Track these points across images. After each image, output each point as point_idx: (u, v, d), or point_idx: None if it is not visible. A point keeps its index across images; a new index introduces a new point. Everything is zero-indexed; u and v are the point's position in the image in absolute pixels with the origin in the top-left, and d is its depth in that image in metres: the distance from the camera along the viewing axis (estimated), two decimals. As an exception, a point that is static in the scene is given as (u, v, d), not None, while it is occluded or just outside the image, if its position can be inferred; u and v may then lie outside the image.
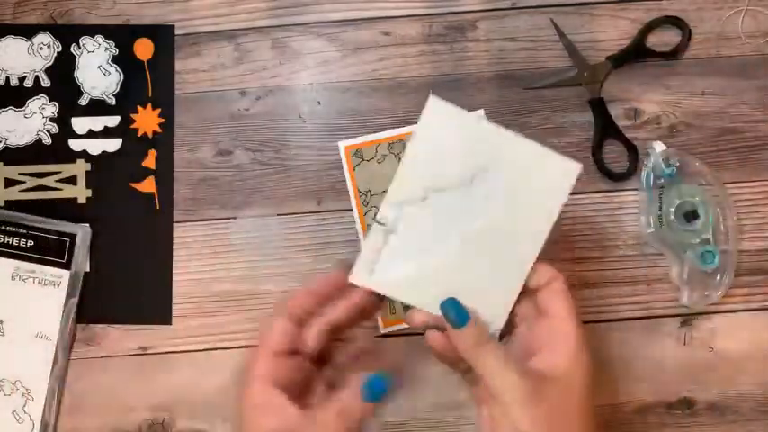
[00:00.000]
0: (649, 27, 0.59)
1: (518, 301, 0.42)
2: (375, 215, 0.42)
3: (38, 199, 0.57)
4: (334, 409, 0.40)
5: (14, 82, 0.58)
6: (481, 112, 0.40)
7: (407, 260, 0.42)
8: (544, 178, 0.42)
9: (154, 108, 0.58)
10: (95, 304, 0.56)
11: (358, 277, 0.42)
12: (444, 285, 0.42)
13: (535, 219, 0.42)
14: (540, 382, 0.39)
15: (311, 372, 0.42)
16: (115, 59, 0.59)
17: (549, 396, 0.38)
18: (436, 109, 0.41)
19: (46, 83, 0.58)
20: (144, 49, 0.59)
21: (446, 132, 0.41)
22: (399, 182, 0.42)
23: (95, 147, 0.58)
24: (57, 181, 0.58)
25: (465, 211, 0.42)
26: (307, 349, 0.42)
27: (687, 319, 0.57)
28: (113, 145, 0.58)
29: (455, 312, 0.41)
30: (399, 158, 0.57)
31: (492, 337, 0.42)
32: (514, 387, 0.38)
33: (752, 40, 0.59)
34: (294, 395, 0.40)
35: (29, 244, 0.55)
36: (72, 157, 0.58)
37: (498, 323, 0.42)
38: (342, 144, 0.58)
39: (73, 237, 0.56)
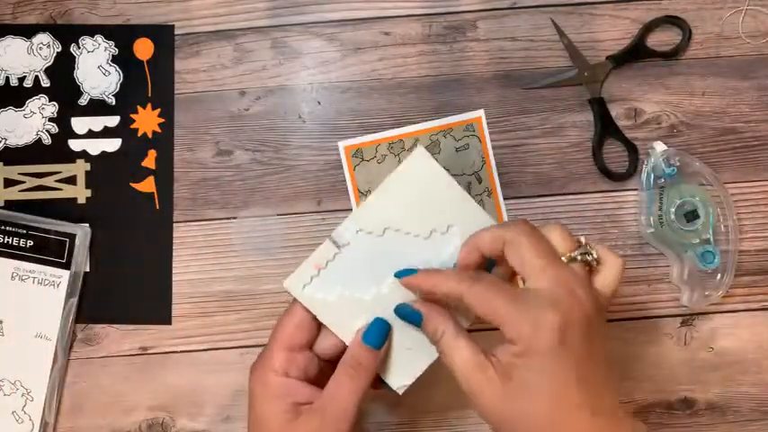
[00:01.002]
0: (649, 27, 0.59)
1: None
2: (332, 233, 0.44)
3: (38, 199, 0.57)
4: (341, 367, 0.41)
5: (14, 82, 0.58)
6: (442, 171, 0.43)
7: (343, 285, 0.43)
8: None
9: (154, 108, 0.58)
10: (95, 304, 0.56)
11: (292, 286, 0.44)
12: (366, 321, 0.43)
13: None
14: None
15: (327, 366, 0.43)
16: (115, 59, 0.59)
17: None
18: (421, 159, 0.44)
19: (46, 83, 0.58)
20: (144, 49, 0.59)
21: (423, 183, 0.44)
22: (367, 210, 0.44)
23: (95, 147, 0.58)
24: (56, 181, 0.58)
25: (411, 258, 0.44)
26: (319, 350, 0.44)
27: (687, 319, 0.57)
28: (113, 145, 0.58)
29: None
30: (399, 158, 0.57)
31: (399, 389, 0.43)
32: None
33: (752, 40, 0.59)
34: (310, 382, 0.42)
35: (29, 244, 0.55)
36: (72, 156, 0.58)
37: (407, 378, 0.43)
38: (342, 144, 0.58)
39: (73, 237, 0.56)
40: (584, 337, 0.37)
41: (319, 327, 0.44)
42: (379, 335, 0.42)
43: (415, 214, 0.44)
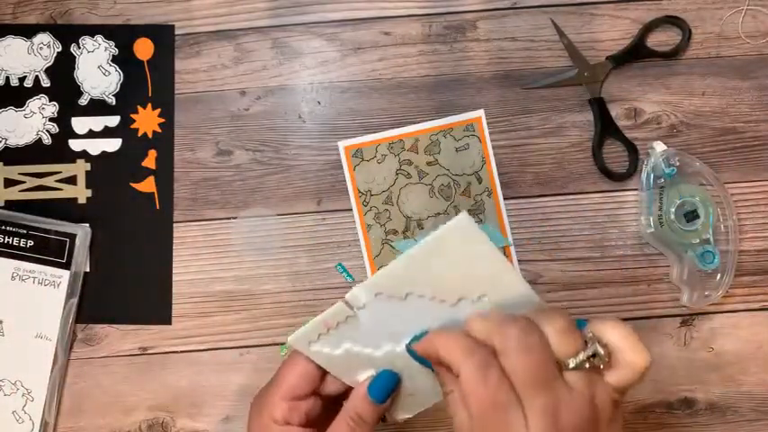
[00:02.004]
0: (649, 27, 0.59)
1: None
2: (346, 295, 0.39)
3: (38, 199, 0.57)
4: (342, 417, 0.39)
5: (14, 82, 0.58)
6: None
7: (352, 343, 0.40)
8: None
9: (154, 108, 0.58)
10: (95, 304, 0.56)
11: (297, 342, 0.40)
12: (374, 371, 0.41)
13: None
14: None
15: (331, 408, 0.42)
16: (115, 59, 0.59)
17: None
18: (462, 226, 0.37)
19: (46, 83, 0.58)
20: (144, 49, 0.59)
21: (460, 250, 0.38)
22: (390, 275, 0.39)
23: (95, 147, 0.58)
24: (57, 181, 0.58)
25: (432, 324, 0.39)
26: (325, 392, 0.42)
27: (687, 319, 0.57)
28: (113, 145, 0.58)
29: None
30: (399, 158, 0.57)
31: (399, 416, 0.42)
32: None
33: (752, 40, 0.59)
34: (312, 426, 0.40)
35: (29, 244, 0.55)
36: (72, 156, 0.58)
37: (406, 414, 0.42)
38: (342, 144, 0.58)
39: (73, 237, 0.56)
40: None
41: (325, 373, 0.42)
42: (384, 389, 0.40)
43: (446, 281, 0.39)
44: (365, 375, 0.41)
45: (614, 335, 0.35)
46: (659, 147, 0.56)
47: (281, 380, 0.41)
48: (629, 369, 0.34)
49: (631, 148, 0.57)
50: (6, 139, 0.58)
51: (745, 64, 0.59)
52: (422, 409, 0.42)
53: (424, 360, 0.38)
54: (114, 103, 0.58)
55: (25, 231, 0.55)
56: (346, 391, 0.42)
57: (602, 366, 0.34)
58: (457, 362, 0.34)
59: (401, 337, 0.40)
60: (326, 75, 0.59)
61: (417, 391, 0.41)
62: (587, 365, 0.34)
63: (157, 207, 0.57)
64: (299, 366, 0.41)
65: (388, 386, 0.40)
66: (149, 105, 0.58)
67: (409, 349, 0.39)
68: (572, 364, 0.34)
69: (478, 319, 0.36)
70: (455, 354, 0.35)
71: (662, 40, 0.59)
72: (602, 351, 0.34)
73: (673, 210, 0.55)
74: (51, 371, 0.55)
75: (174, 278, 0.57)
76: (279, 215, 0.57)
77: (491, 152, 0.58)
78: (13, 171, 0.58)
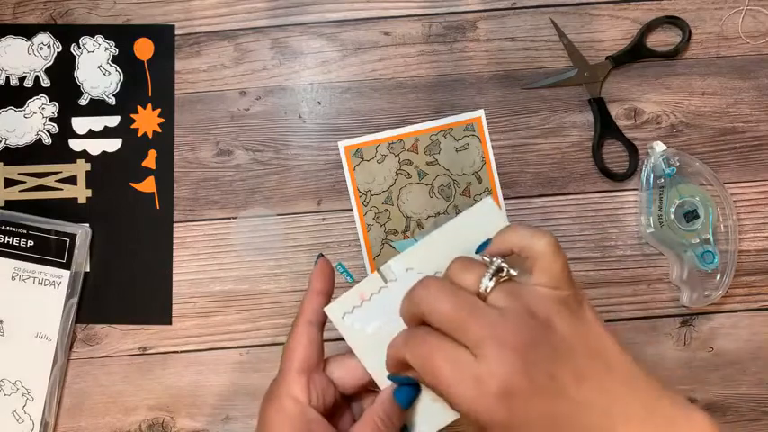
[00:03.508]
0: (649, 27, 0.59)
1: None
2: (380, 266, 0.41)
3: (38, 199, 0.57)
4: (371, 416, 0.38)
5: (14, 82, 0.58)
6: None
7: (384, 319, 0.41)
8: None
9: (154, 108, 0.58)
10: (95, 304, 0.56)
11: (333, 312, 0.41)
12: None
13: None
14: None
15: (340, 398, 0.41)
16: (115, 59, 0.59)
17: None
18: (487, 209, 0.40)
19: (46, 83, 0.58)
20: (144, 49, 0.59)
21: (484, 231, 0.40)
22: (421, 250, 0.41)
23: (95, 147, 0.58)
24: (57, 181, 0.58)
25: None
26: (333, 376, 0.41)
27: (687, 319, 0.57)
28: (113, 145, 0.58)
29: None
30: (399, 158, 0.57)
31: None
32: None
33: (752, 41, 0.59)
34: (326, 413, 0.39)
35: (29, 244, 0.55)
36: (72, 157, 0.58)
37: (430, 429, 0.41)
38: (342, 144, 0.58)
39: (73, 237, 0.56)
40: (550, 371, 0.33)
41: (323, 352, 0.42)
42: (409, 397, 0.39)
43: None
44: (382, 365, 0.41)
45: (511, 238, 0.36)
46: (659, 147, 0.56)
47: (291, 353, 0.40)
48: (540, 255, 0.35)
49: (631, 148, 0.57)
50: (6, 139, 0.58)
51: (744, 64, 0.59)
52: (442, 425, 0.41)
53: (407, 380, 0.38)
54: (114, 103, 0.58)
55: (25, 231, 0.55)
56: (353, 387, 0.41)
57: (514, 273, 0.35)
58: (402, 358, 0.35)
59: None
60: (326, 75, 0.59)
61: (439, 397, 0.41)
62: (500, 281, 0.34)
63: (157, 207, 0.57)
64: (303, 336, 0.40)
65: (412, 394, 0.39)
66: (149, 105, 0.58)
67: (390, 377, 0.39)
68: (483, 287, 0.34)
69: (401, 307, 0.37)
70: (400, 350, 0.36)
71: (662, 40, 0.59)
72: (503, 264, 0.35)
73: (673, 210, 0.55)
74: (51, 371, 0.55)
75: (174, 278, 0.57)
76: (279, 215, 0.57)
77: (491, 152, 0.58)
78: (13, 171, 0.58)
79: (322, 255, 0.43)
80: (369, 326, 0.41)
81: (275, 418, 0.38)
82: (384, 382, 0.40)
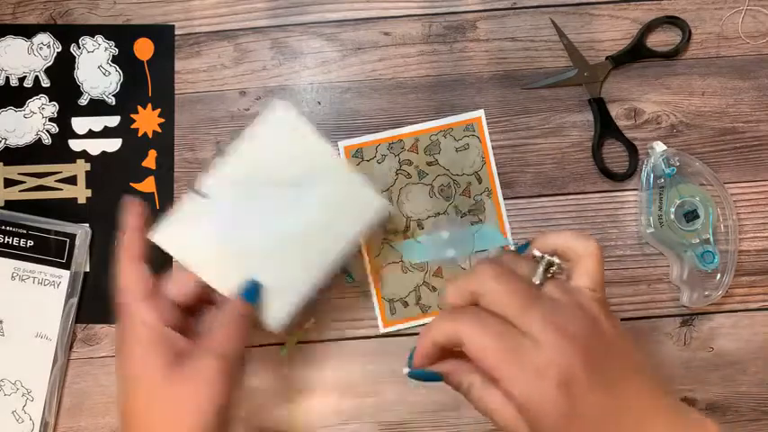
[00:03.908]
0: (649, 27, 0.59)
1: None
2: (194, 186, 0.46)
3: (38, 199, 0.57)
4: (226, 317, 0.43)
5: (14, 82, 0.58)
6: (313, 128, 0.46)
7: (213, 236, 0.45)
8: (357, 203, 0.47)
9: (154, 108, 0.58)
10: (95, 304, 0.56)
11: (156, 236, 0.45)
12: (241, 270, 0.45)
13: (337, 236, 0.46)
14: None
15: (183, 318, 0.44)
16: (115, 59, 0.59)
17: None
18: (280, 111, 0.46)
19: (46, 83, 0.58)
20: (144, 49, 0.59)
21: (285, 135, 0.46)
22: (233, 163, 0.46)
23: (95, 147, 0.58)
24: (57, 181, 0.58)
25: (280, 210, 0.46)
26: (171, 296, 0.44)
27: (687, 319, 0.57)
28: (113, 145, 0.58)
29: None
30: (399, 158, 0.57)
31: (276, 321, 0.45)
32: None
33: (752, 41, 0.59)
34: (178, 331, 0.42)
35: (29, 244, 0.55)
36: (72, 157, 0.58)
37: (281, 314, 0.45)
38: (342, 144, 0.58)
39: (73, 237, 0.56)
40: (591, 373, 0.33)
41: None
42: (254, 294, 0.44)
43: (278, 165, 0.46)
44: (232, 276, 0.45)
45: (557, 240, 0.37)
46: (659, 147, 0.56)
47: (128, 288, 0.43)
48: (587, 258, 0.36)
49: (631, 148, 0.57)
50: (6, 139, 0.58)
51: (744, 64, 0.59)
52: (293, 308, 0.45)
53: (431, 376, 0.37)
54: (114, 103, 0.58)
55: (25, 231, 0.55)
56: (190, 299, 0.45)
57: (562, 272, 0.36)
58: (456, 332, 0.34)
59: (257, 227, 0.45)
60: (326, 75, 0.59)
61: (288, 284, 0.45)
62: (550, 275, 0.36)
63: (157, 207, 0.57)
64: (133, 271, 0.43)
65: (256, 290, 0.44)
66: (149, 105, 0.58)
67: (412, 374, 0.38)
68: (537, 280, 0.36)
69: (449, 287, 0.36)
70: (454, 326, 0.35)
71: (662, 40, 0.59)
72: (555, 259, 0.36)
73: (673, 210, 0.55)
74: (51, 371, 0.55)
75: (174, 278, 0.57)
76: (279, 215, 0.57)
77: (491, 152, 0.58)
78: (13, 171, 0.58)
79: (130, 197, 0.45)
80: (200, 241, 0.45)
81: (137, 349, 0.41)
82: (224, 288, 0.44)
